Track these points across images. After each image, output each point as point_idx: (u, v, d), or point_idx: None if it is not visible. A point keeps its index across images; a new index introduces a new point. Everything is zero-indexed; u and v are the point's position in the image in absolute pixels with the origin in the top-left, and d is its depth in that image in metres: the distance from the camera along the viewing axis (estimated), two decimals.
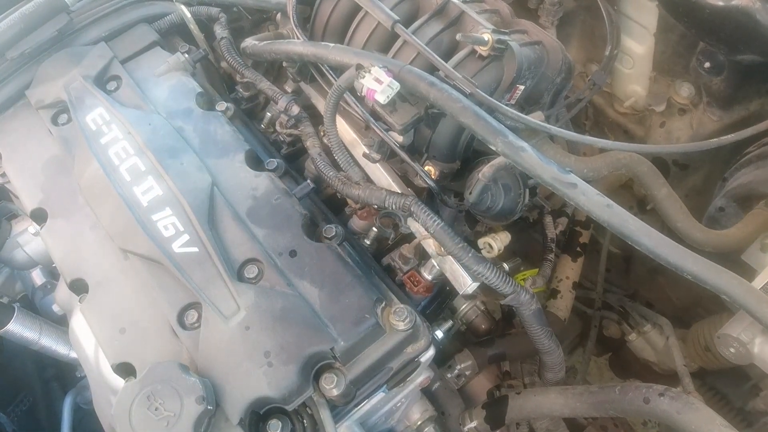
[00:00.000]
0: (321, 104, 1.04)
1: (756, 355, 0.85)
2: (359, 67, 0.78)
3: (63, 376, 1.34)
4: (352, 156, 0.91)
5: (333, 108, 0.83)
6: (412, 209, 0.82)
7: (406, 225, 0.87)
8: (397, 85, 0.76)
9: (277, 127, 1.05)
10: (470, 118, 0.73)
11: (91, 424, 0.96)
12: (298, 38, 0.97)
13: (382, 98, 0.76)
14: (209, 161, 0.89)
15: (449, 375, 1.06)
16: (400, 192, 0.87)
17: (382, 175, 0.95)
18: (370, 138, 0.87)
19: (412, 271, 0.93)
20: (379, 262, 0.94)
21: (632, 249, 0.69)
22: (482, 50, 0.83)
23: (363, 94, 0.78)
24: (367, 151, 0.88)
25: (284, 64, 1.03)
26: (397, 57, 0.87)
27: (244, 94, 1.14)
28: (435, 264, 0.91)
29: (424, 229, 0.82)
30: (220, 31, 1.10)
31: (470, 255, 0.79)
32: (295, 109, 0.99)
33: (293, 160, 1.07)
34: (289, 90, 1.11)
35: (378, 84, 0.76)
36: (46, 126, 0.97)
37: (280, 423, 0.70)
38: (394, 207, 0.82)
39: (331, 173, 0.90)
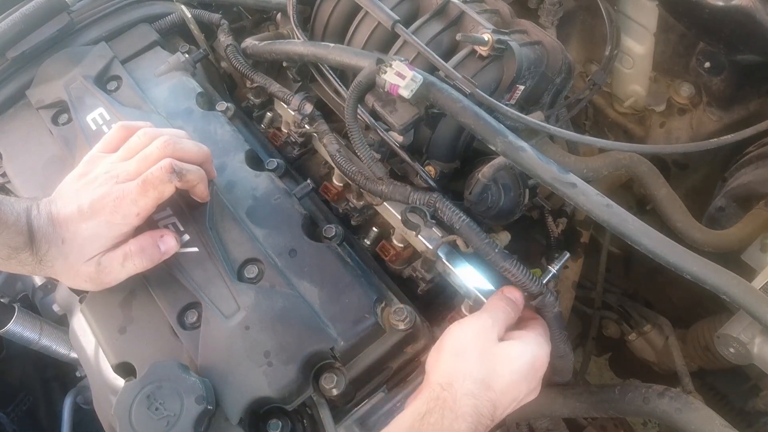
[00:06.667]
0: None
1: (756, 355, 0.85)
2: (380, 62, 0.75)
3: (63, 376, 1.34)
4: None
5: (354, 105, 0.80)
6: (437, 205, 0.80)
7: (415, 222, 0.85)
8: (420, 78, 0.73)
9: (291, 127, 1.03)
10: (470, 118, 0.73)
11: (91, 424, 0.96)
12: (298, 38, 0.97)
13: (406, 93, 0.73)
14: None
15: None
16: (424, 188, 0.85)
17: None
18: (369, 138, 0.87)
19: (382, 242, 0.91)
20: (385, 268, 0.92)
21: (632, 249, 0.69)
22: (482, 50, 0.83)
23: (386, 90, 0.75)
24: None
25: (284, 64, 1.03)
26: None
27: (255, 101, 1.11)
28: (403, 233, 0.89)
29: (449, 225, 0.80)
30: (224, 39, 1.07)
31: (497, 251, 0.77)
32: (308, 108, 0.97)
33: (306, 160, 1.05)
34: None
35: (401, 79, 0.73)
36: (46, 126, 0.97)
37: (280, 423, 0.71)
38: (418, 203, 0.82)
39: (353, 169, 0.87)
